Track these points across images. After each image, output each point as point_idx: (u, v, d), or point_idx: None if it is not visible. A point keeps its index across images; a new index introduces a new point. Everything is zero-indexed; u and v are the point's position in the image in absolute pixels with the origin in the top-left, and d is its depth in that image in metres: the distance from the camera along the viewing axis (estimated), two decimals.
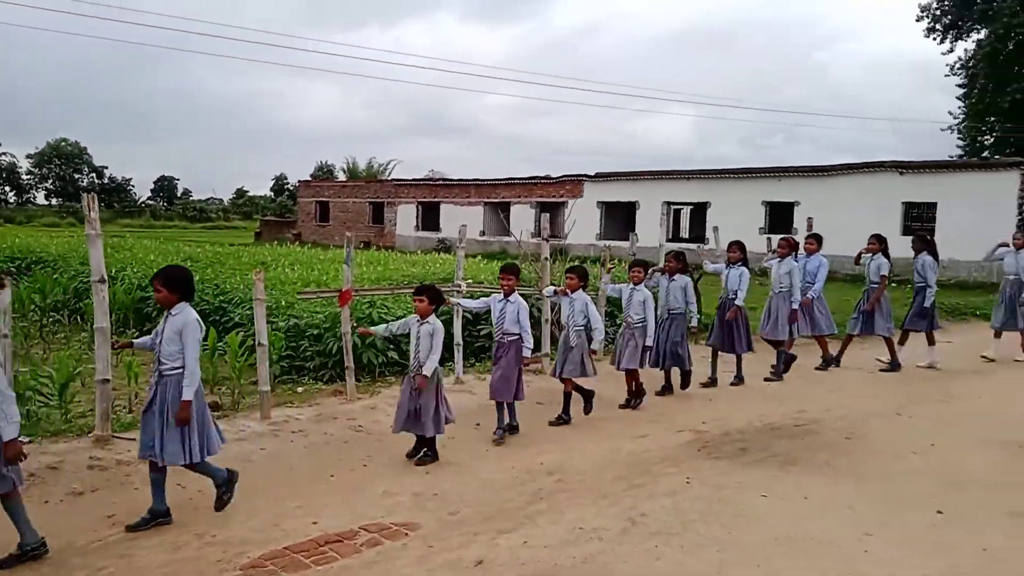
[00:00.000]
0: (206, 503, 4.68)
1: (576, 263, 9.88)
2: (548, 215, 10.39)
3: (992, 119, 40.38)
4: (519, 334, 6.52)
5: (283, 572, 3.89)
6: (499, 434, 6.32)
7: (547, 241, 9.49)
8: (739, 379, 8.77)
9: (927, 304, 9.93)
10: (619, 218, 30.32)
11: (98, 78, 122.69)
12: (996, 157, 29.84)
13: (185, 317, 4.51)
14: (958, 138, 43.64)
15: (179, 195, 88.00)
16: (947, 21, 41.56)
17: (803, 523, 4.66)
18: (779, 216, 26.53)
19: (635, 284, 7.59)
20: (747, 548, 4.27)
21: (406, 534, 4.38)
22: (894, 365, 9.79)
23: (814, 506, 4.96)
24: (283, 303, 9.20)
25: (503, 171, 36.72)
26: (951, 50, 43.08)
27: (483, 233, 33.81)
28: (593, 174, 31.45)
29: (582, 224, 28.56)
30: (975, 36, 41.05)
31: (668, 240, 27.02)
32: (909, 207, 23.97)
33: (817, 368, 9.71)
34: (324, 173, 64.68)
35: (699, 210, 29.47)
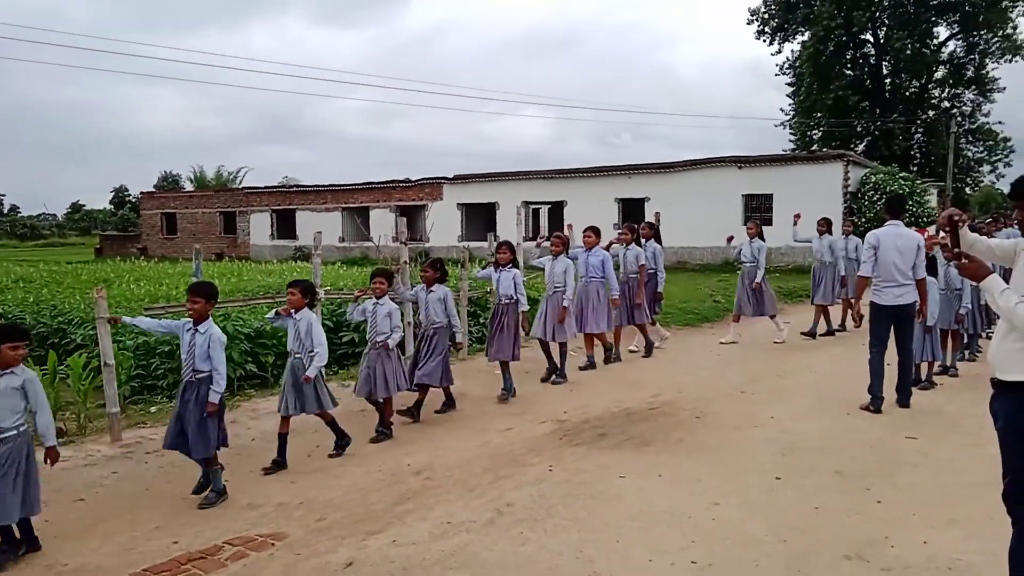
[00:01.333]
0: (54, 531, 4.45)
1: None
2: (406, 219, 10.44)
3: (818, 115, 43.57)
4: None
5: None
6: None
7: (405, 244, 9.54)
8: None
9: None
10: (480, 219, 30.63)
11: None
12: (824, 150, 32.21)
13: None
14: (790, 133, 46.89)
15: (5, 212, 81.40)
16: (774, 24, 44.51)
17: (657, 498, 4.96)
18: (632, 212, 27.61)
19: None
20: (606, 526, 4.50)
21: (272, 544, 4.33)
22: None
23: (667, 482, 5.27)
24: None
25: (361, 176, 36.35)
26: (779, 51, 46.28)
27: (342, 239, 33.29)
28: (452, 176, 31.62)
29: (443, 226, 28.70)
30: (800, 38, 44.20)
31: (528, 239, 27.62)
32: (749, 199, 25.55)
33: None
34: (169, 183, 61.65)
35: (557, 208, 30.21)
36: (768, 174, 25.10)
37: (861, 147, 42.95)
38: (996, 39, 41.33)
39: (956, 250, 3.25)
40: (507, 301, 7.90)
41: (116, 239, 44.89)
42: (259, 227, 36.94)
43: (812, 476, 5.33)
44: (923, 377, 8.06)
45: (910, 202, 23.56)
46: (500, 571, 3.95)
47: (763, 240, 11.45)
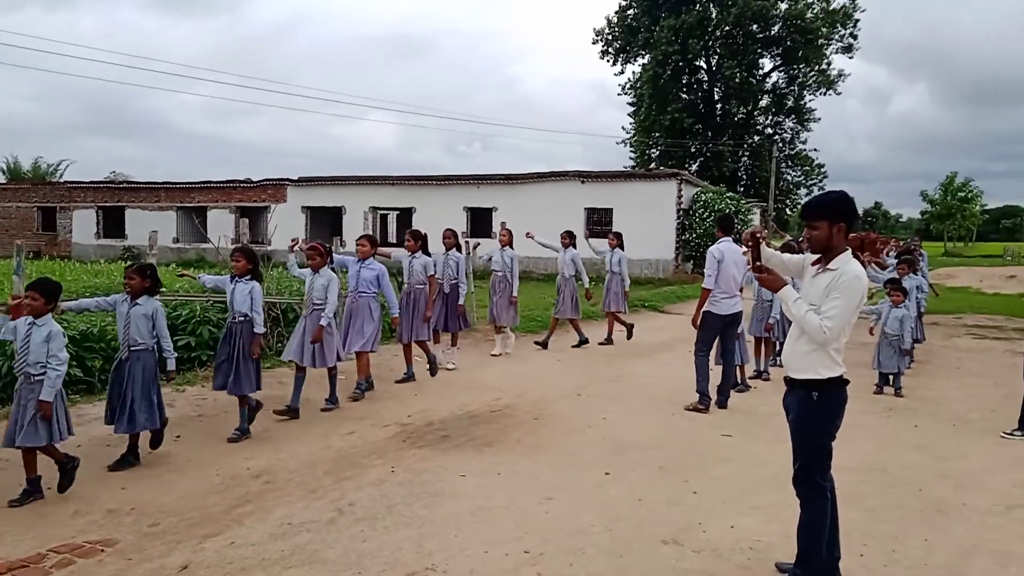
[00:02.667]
0: None
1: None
2: (247, 220, 10.19)
3: (656, 135, 45.98)
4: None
5: None
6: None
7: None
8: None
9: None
10: (325, 223, 30.12)
11: None
12: (660, 168, 34.06)
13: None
14: (630, 151, 49.16)
15: None
16: (617, 46, 46.62)
17: (495, 495, 5.18)
18: (480, 221, 28.06)
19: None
20: (445, 521, 4.67)
21: (102, 550, 4.19)
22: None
23: (505, 479, 5.51)
24: None
25: (201, 175, 34.65)
26: (622, 72, 48.54)
27: (177, 240, 31.75)
28: (296, 178, 30.90)
29: (287, 229, 27.95)
30: (641, 61, 46.55)
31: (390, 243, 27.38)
32: (591, 212, 26.60)
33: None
34: None
35: (405, 215, 30.19)
36: (609, 189, 26.27)
37: (695, 167, 45.73)
38: (813, 73, 45.29)
39: (757, 264, 3.67)
40: (240, 319, 6.59)
41: None
42: (83, 224, 34.56)
43: (638, 471, 5.74)
44: (739, 380, 8.79)
45: (736, 220, 25.36)
46: (340, 568, 4.03)
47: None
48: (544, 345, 11.71)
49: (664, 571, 4.06)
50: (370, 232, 28.50)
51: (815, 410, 3.59)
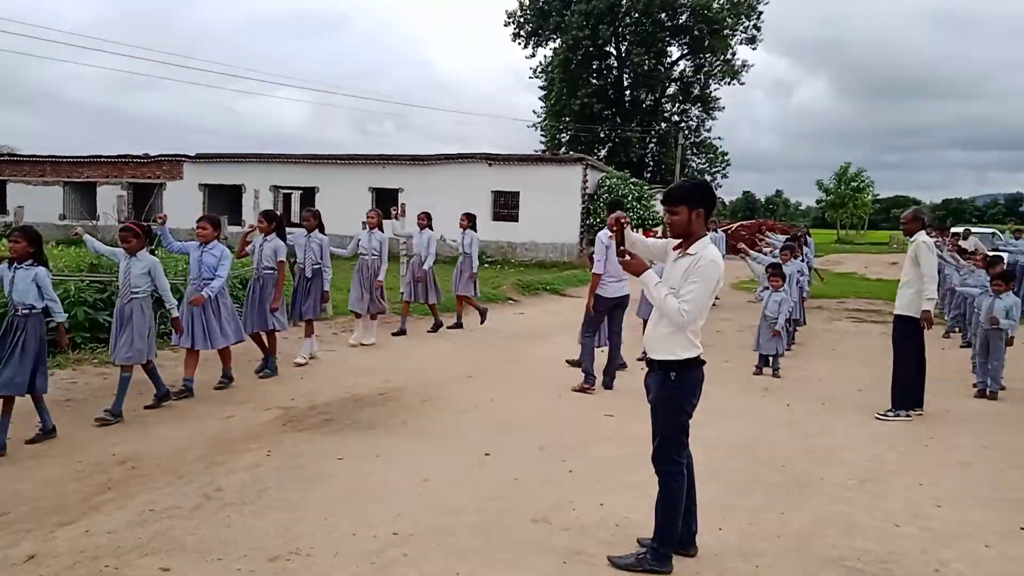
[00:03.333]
0: None
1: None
2: (129, 195, 9.79)
3: (567, 119, 46.39)
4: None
5: None
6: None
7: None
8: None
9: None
10: (225, 201, 29.20)
11: None
12: (570, 153, 34.37)
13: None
14: (541, 135, 49.42)
15: None
16: (529, 29, 46.68)
17: (371, 478, 5.15)
18: (385, 201, 27.70)
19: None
20: (316, 505, 4.61)
21: None
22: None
23: (384, 462, 5.48)
24: None
25: (96, 149, 32.99)
26: (533, 55, 48.70)
27: (63, 217, 30.20)
28: (194, 155, 29.78)
29: (183, 208, 26.95)
30: (552, 45, 46.78)
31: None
32: (497, 195, 26.64)
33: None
34: None
35: (308, 195, 29.55)
36: (515, 172, 26.33)
37: (604, 152, 46.42)
38: (719, 63, 46.50)
39: (621, 248, 3.74)
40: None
41: None
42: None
43: (518, 451, 5.80)
44: (623, 361, 8.98)
45: (638, 205, 25.86)
46: (199, 554, 3.93)
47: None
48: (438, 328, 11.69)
49: (530, 549, 4.12)
50: (272, 210, 27.76)
51: (673, 389, 3.70)
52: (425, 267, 11.25)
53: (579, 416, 6.94)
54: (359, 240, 10.60)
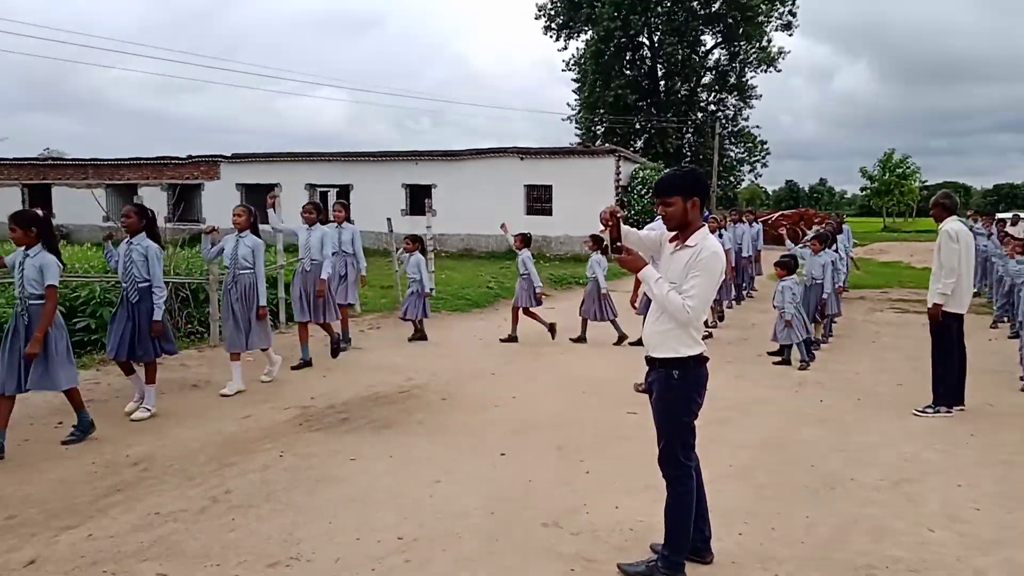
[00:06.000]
0: None
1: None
2: (169, 196, 9.79)
3: (601, 111, 45.91)
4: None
5: None
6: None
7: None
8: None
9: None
10: (262, 200, 29.42)
11: None
12: (599, 145, 33.99)
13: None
14: (576, 127, 49.01)
15: None
16: (560, 21, 46.29)
17: (382, 479, 5.03)
18: (419, 197, 27.71)
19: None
20: (323, 508, 4.50)
21: None
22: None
23: (397, 463, 5.36)
24: None
25: (139, 151, 33.60)
26: (565, 47, 48.38)
27: (107, 218, 30.66)
28: (230, 155, 30.08)
29: (221, 207, 27.23)
30: (584, 37, 46.32)
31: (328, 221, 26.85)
32: (530, 189, 26.46)
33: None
34: None
35: (343, 192, 29.65)
36: (548, 166, 26.12)
37: (640, 143, 45.89)
38: (754, 50, 45.61)
39: (617, 244, 3.55)
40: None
41: None
42: (7, 202, 33.14)
43: (535, 451, 5.63)
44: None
45: None
46: (198, 560, 3.84)
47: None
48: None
49: (537, 554, 3.96)
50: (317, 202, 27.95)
51: (676, 389, 3.50)
52: (323, 275, 8.51)
53: (602, 414, 6.75)
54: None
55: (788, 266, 9.10)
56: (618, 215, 3.58)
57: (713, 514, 3.93)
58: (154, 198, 29.82)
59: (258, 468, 5.20)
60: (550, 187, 25.93)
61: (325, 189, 31.67)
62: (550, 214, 25.89)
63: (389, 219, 13.98)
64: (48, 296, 5.42)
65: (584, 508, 4.56)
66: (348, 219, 10.11)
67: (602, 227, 3.63)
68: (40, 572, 3.70)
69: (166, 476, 5.05)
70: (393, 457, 5.47)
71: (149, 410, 6.43)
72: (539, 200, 26.27)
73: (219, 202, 27.91)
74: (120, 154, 31.91)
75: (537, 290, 10.69)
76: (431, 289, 11.03)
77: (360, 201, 28.15)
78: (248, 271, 7.29)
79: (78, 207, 30.74)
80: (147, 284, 6.29)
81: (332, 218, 10.01)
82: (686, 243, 3.47)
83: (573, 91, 48.74)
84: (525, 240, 10.87)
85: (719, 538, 3.97)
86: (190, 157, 30.65)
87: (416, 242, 10.92)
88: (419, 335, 10.42)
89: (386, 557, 3.91)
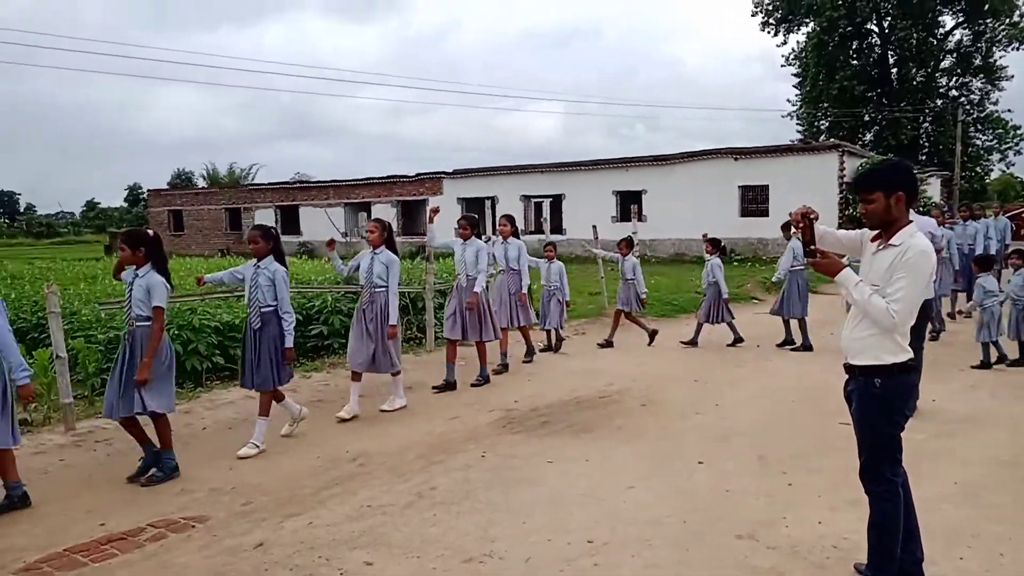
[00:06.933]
0: None
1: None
2: (397, 211, 10.51)
3: (825, 105, 43.28)
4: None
5: (57, 572, 3.96)
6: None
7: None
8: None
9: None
10: (480, 211, 30.79)
11: None
12: (830, 140, 32.03)
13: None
14: (796, 123, 46.56)
15: (22, 211, 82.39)
16: (778, 16, 44.23)
17: (577, 482, 5.10)
18: (629, 205, 27.68)
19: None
20: (518, 508, 4.65)
21: (192, 526, 4.51)
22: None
23: (592, 467, 5.41)
24: (103, 315, 8.98)
25: (373, 171, 36.63)
26: (785, 42, 45.99)
27: (345, 235, 33.51)
28: (451, 171, 31.78)
29: (443, 219, 28.84)
30: (804, 29, 43.93)
31: (532, 232, 27.74)
32: (745, 190, 25.54)
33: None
34: (183, 181, 62.23)
35: (556, 202, 30.30)
36: (764, 165, 25.08)
37: (869, 136, 42.75)
38: (1003, 27, 40.92)
39: (811, 247, 3.36)
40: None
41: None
42: (263, 222, 37.27)
43: (734, 461, 5.45)
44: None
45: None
46: (402, 551, 4.11)
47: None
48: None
49: (729, 566, 3.84)
50: (518, 219, 28.85)
51: (877, 399, 3.25)
52: (475, 289, 8.06)
53: (810, 424, 6.39)
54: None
55: (983, 263, 8.98)
56: (811, 216, 3.40)
57: (932, 535, 3.63)
58: (384, 213, 32.17)
59: (461, 467, 5.47)
60: (766, 187, 24.88)
61: (539, 199, 32.54)
62: (766, 215, 24.82)
63: (595, 227, 14.12)
64: (155, 317, 5.27)
65: (784, 521, 4.36)
66: (515, 234, 9.34)
67: (793, 228, 3.46)
68: (267, 554, 4.14)
69: (379, 472, 5.44)
70: (590, 461, 5.53)
71: (257, 446, 5.92)
72: (754, 201, 25.30)
73: (441, 215, 29.52)
74: (357, 175, 34.85)
75: (642, 295, 10.82)
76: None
77: (571, 209, 28.64)
78: (383, 289, 6.91)
79: (321, 225, 33.77)
80: (271, 309, 5.96)
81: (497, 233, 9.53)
82: (890, 242, 3.21)
83: (794, 86, 46.37)
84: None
85: (935, 561, 3.66)
86: (418, 175, 32.78)
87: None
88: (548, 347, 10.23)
89: (576, 559, 3.96)
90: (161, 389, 5.32)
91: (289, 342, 6.00)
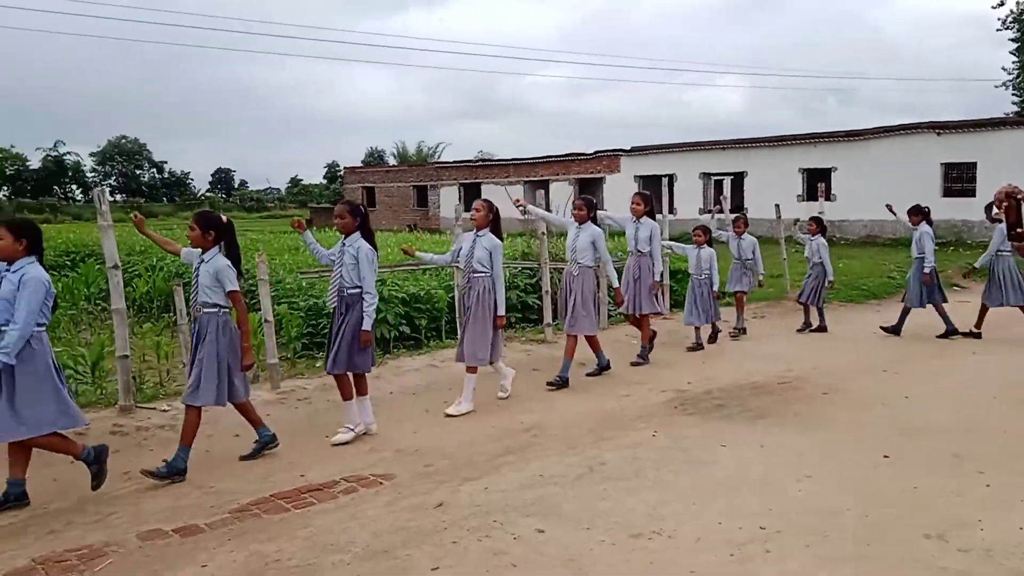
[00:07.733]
0: (210, 460, 5.28)
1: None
2: (543, 192, 10.65)
3: None
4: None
5: (265, 515, 4.41)
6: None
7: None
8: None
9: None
10: (658, 190, 30.38)
11: (153, 77, 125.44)
12: None
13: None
14: (1013, 94, 42.19)
15: (236, 186, 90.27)
16: None
17: (750, 467, 5.01)
18: (817, 183, 26.29)
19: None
20: (687, 489, 4.65)
21: (380, 483, 4.87)
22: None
23: (767, 453, 5.29)
24: (304, 284, 9.78)
25: (553, 149, 37.13)
26: (1002, 3, 41.62)
27: (525, 212, 34.16)
28: (629, 148, 31.53)
29: (621, 198, 28.75)
30: None
31: (708, 211, 27.04)
32: (948, 168, 23.54)
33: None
34: (375, 159, 65.78)
35: (737, 179, 29.31)
36: (971, 140, 22.97)
37: None
38: None
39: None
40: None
41: (324, 211, 48.57)
42: (448, 200, 38.71)
43: (924, 457, 5.14)
44: None
45: None
46: (572, 521, 4.23)
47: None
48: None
49: (913, 566, 3.66)
50: (696, 197, 28.19)
51: None
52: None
53: (1016, 422, 5.89)
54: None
55: None
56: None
57: None
58: (561, 191, 32.46)
59: (631, 444, 5.52)
60: (974, 164, 22.78)
61: (720, 177, 31.62)
62: (973, 195, 22.74)
63: (777, 205, 13.59)
64: (234, 301, 5.08)
65: (978, 524, 4.08)
66: (649, 213, 8.38)
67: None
68: (446, 514, 4.39)
69: (551, 443, 5.61)
70: (764, 447, 5.41)
71: (351, 429, 5.71)
72: (959, 180, 23.25)
73: (618, 194, 29.45)
74: (536, 153, 35.42)
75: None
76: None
77: (754, 188, 27.62)
78: (484, 274, 6.47)
79: (502, 203, 34.55)
80: (357, 290, 5.63)
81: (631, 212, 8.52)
82: None
83: (1011, 51, 41.94)
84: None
85: None
86: (595, 152, 32.81)
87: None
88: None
89: (746, 544, 3.92)
90: (212, 380, 5.03)
91: (367, 325, 5.59)
